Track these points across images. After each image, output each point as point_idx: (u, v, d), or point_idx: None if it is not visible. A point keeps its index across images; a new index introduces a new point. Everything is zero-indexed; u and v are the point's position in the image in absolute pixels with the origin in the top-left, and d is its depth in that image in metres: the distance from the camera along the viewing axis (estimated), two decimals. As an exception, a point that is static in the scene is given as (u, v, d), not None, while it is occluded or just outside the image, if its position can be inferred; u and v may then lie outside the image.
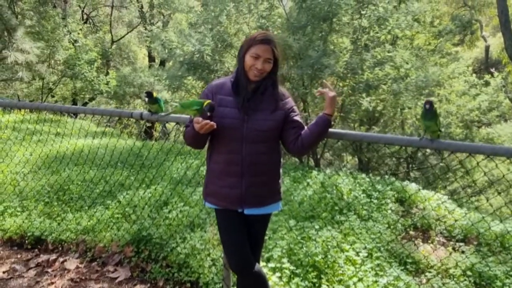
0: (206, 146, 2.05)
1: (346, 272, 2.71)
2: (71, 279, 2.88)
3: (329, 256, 2.86)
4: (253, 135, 1.87)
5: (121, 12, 18.67)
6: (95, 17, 18.13)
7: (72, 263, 3.07)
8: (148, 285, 2.81)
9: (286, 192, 4.23)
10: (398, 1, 8.09)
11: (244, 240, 1.96)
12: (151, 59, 17.87)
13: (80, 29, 14.47)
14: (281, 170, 2.05)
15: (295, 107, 2.01)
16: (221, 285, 2.57)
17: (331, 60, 6.34)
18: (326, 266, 2.78)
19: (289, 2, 7.64)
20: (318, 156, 7.49)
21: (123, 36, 17.64)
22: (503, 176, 2.06)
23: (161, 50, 8.08)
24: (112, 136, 8.61)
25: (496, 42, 18.14)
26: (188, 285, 2.74)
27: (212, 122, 1.76)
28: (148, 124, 15.81)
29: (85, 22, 17.09)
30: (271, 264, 2.70)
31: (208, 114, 1.84)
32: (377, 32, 7.02)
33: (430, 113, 1.90)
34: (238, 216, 1.98)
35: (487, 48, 15.59)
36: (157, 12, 16.68)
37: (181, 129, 2.68)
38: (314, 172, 5.15)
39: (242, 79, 1.91)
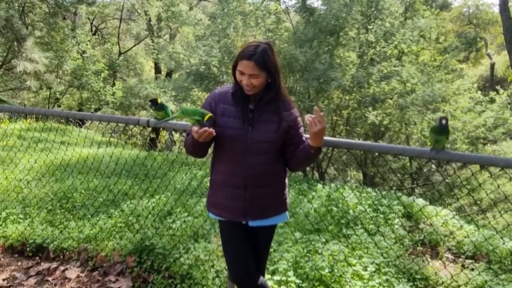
0: (211, 156, 2.02)
1: (353, 287, 2.63)
2: (72, 288, 2.82)
3: (336, 270, 2.79)
4: (256, 147, 1.83)
5: (129, 25, 18.96)
6: (103, 29, 18.41)
7: (73, 272, 3.01)
8: (150, 296, 2.75)
9: (292, 205, 4.17)
10: (405, 16, 8.14)
11: (246, 251, 1.93)
12: (158, 71, 18.05)
13: (89, 41, 14.68)
14: (286, 180, 2.00)
15: (299, 119, 1.94)
16: (224, 297, 2.51)
17: (338, 73, 6.35)
18: (332, 280, 2.70)
19: (296, 16, 7.71)
20: (323, 170, 7.44)
21: (131, 48, 17.86)
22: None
23: (168, 61, 8.15)
24: (117, 146, 8.61)
25: (501, 60, 18.17)
26: (191, 297, 2.67)
27: (211, 129, 1.71)
28: (153, 135, 15.87)
29: (94, 34, 17.36)
30: (277, 277, 2.63)
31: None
32: (383, 47, 7.05)
33: (444, 128, 1.87)
34: (241, 227, 1.93)
35: (492, 66, 15.65)
36: (165, 25, 16.91)
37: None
38: (319, 185, 5.09)
39: (238, 92, 1.86)
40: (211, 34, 7.11)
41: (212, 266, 2.77)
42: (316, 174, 7.88)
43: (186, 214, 3.67)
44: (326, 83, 6.09)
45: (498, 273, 3.06)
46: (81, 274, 3.00)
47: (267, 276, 2.64)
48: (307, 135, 1.90)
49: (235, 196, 1.87)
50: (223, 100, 1.88)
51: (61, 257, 3.24)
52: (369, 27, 6.87)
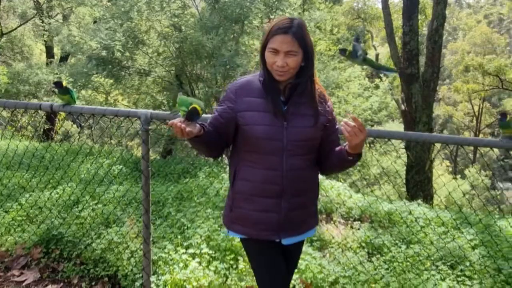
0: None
1: (261, 252, 2.94)
2: (-32, 287, 2.62)
3: (245, 240, 3.07)
4: (295, 146, 1.54)
5: (12, 1, 16.72)
6: (-22, 5, 15.94)
7: (-33, 271, 2.78)
8: (61, 284, 2.70)
9: (203, 186, 4.37)
10: (302, 8, 8.79)
11: (286, 277, 1.70)
12: (50, 55, 16.34)
13: (-40, 18, 12.62)
14: (318, 188, 1.75)
15: (334, 113, 1.69)
16: (141, 275, 2.60)
17: (243, 60, 6.65)
18: (242, 248, 2.98)
19: (201, 2, 7.77)
20: (191, 145, 7.79)
21: (15, 29, 15.83)
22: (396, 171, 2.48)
23: (65, 44, 7.55)
24: (4, 138, 7.73)
25: (384, 51, 20.72)
26: (106, 279, 2.70)
27: (182, 126, 1.38)
28: (47, 126, 14.47)
29: (-34, 10, 14.94)
30: (191, 251, 2.80)
31: (187, 118, 1.43)
32: (284, 36, 7.56)
33: None
34: (274, 245, 1.64)
35: (376, 56, 17.74)
36: (57, 4, 15.33)
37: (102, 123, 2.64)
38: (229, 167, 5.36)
39: (267, 80, 1.55)
40: (113, 17, 6.79)
41: (127, 247, 2.83)
42: (226, 158, 8.18)
43: (95, 202, 3.61)
44: (232, 69, 6.35)
45: (377, 229, 3.69)
46: (-22, 272, 2.79)
47: (182, 251, 2.80)
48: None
49: (268, 207, 1.57)
50: (246, 92, 1.57)
51: (-49, 257, 2.95)
52: (271, 17, 7.29)
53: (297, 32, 1.47)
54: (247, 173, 1.58)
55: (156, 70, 7.55)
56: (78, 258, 2.86)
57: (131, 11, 6.54)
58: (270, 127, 1.51)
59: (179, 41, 6.77)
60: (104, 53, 6.34)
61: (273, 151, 1.53)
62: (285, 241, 1.63)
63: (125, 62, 7.02)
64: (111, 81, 7.30)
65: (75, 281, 2.70)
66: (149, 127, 2.45)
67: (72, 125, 15.60)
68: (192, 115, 1.42)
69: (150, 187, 2.46)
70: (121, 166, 4.98)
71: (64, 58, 15.60)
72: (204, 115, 1.79)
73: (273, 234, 1.60)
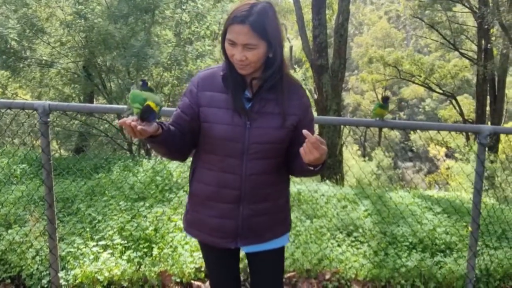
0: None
1: (175, 237, 3.03)
2: None
3: (160, 228, 3.12)
4: (257, 149, 1.39)
5: None
6: None
7: None
8: (-46, 292, 2.50)
9: (117, 180, 4.28)
10: (215, 0, 8.87)
11: (233, 280, 1.63)
12: None
13: None
14: (288, 191, 1.59)
15: (310, 109, 1.50)
16: (48, 272, 2.52)
17: (155, 51, 6.54)
18: (157, 236, 3.03)
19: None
20: (149, 146, 7.61)
21: None
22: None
23: None
24: None
25: (298, 43, 21.79)
26: (8, 281, 2.57)
27: (132, 124, 1.19)
28: None
29: None
30: (102, 242, 2.78)
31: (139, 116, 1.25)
32: (197, 27, 7.58)
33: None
34: (231, 252, 1.56)
35: (291, 48, 18.58)
36: None
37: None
38: (145, 161, 5.30)
39: (228, 73, 1.40)
40: (4, 2, 6.14)
41: (31, 246, 2.70)
42: (143, 151, 8.01)
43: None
44: (144, 60, 6.20)
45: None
46: None
47: (92, 244, 2.76)
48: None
49: (225, 213, 1.45)
50: (208, 85, 1.42)
51: None
52: (183, 7, 7.25)
53: (256, 21, 1.28)
54: (203, 175, 1.47)
55: (61, 61, 7.04)
56: (-27, 263, 2.66)
57: (27, -4, 6.01)
58: (230, 127, 1.37)
59: (85, 30, 6.40)
60: (-5, 41, 5.75)
61: (233, 153, 1.39)
62: (246, 249, 1.54)
63: (22, 52, 6.43)
64: (7, 73, 6.64)
65: (-29, 287, 2.52)
66: (49, 119, 2.37)
67: None
68: (146, 114, 1.24)
69: (53, 181, 2.39)
70: (24, 165, 4.64)
71: None
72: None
73: (229, 242, 1.49)
